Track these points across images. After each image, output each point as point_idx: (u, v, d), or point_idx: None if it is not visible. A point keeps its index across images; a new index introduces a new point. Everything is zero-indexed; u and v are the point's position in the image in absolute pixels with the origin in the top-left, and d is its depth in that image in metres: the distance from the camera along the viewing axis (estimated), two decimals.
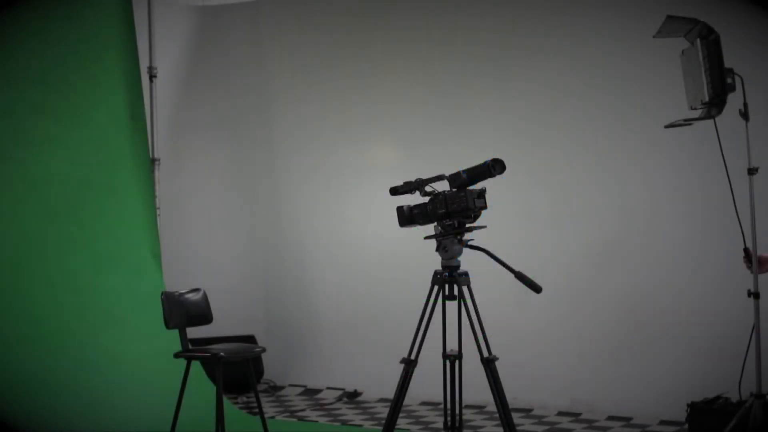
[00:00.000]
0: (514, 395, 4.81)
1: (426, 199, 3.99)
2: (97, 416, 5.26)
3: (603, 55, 6.00)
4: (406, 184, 4.03)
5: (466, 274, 3.97)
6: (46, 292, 5.54)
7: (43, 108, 5.76)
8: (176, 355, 4.80)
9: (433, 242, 3.99)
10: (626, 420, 5.63)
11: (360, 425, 5.81)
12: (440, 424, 4.93)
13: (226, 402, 5.59)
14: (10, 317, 5.33)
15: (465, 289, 3.95)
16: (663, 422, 5.47)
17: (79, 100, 5.94)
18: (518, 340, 5.97)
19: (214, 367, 4.69)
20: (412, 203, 4.05)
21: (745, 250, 4.39)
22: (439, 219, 3.94)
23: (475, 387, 4.38)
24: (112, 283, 5.86)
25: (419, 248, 4.51)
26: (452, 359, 3.99)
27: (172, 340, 5.05)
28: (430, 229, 4.02)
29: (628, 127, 5.95)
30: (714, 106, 4.44)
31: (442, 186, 3.98)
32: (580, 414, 5.85)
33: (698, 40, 4.47)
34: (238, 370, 5.46)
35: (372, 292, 6.81)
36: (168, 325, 4.82)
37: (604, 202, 6.07)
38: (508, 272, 3.81)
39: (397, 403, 3.97)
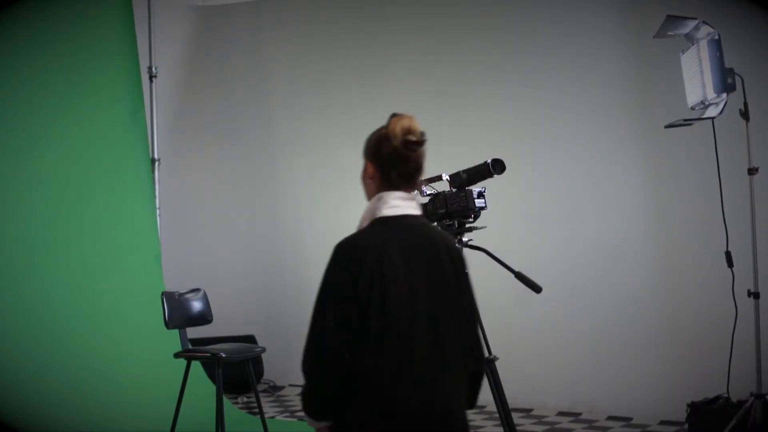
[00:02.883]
0: (514, 395, 4.80)
1: (426, 199, 3.99)
2: (98, 416, 5.25)
3: (604, 55, 6.00)
4: None
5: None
6: (46, 292, 5.53)
7: (43, 108, 5.74)
8: (176, 355, 4.79)
9: None
10: (626, 420, 5.63)
11: None
12: None
13: (226, 402, 5.59)
14: (10, 317, 5.32)
15: None
16: (663, 422, 5.46)
17: (79, 100, 5.93)
18: (518, 340, 5.97)
19: (214, 367, 4.68)
20: None
21: None
22: (439, 219, 3.93)
23: None
24: (112, 283, 5.85)
25: None
26: None
27: (172, 340, 5.05)
28: None
29: (628, 127, 5.95)
30: (714, 106, 4.45)
31: (442, 186, 3.97)
32: (580, 414, 5.85)
33: (699, 40, 4.47)
34: (238, 370, 5.46)
35: None
36: (168, 325, 4.82)
37: (604, 203, 6.06)
38: (508, 272, 3.81)
39: None
